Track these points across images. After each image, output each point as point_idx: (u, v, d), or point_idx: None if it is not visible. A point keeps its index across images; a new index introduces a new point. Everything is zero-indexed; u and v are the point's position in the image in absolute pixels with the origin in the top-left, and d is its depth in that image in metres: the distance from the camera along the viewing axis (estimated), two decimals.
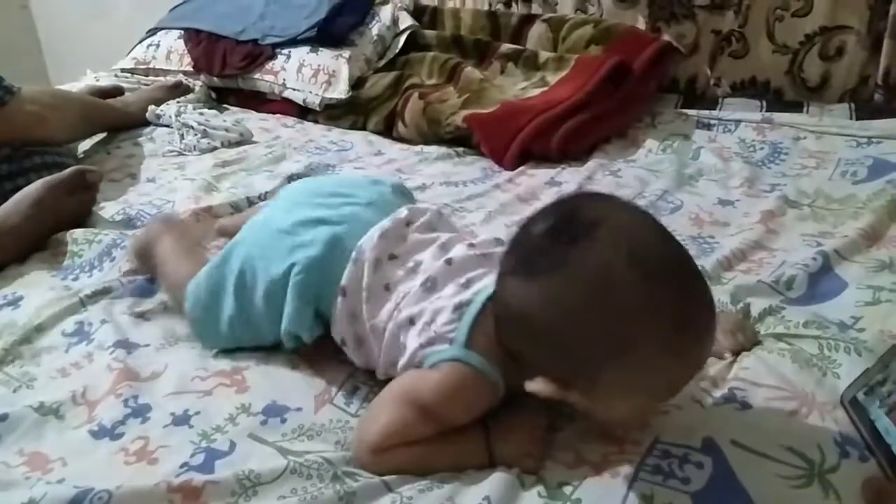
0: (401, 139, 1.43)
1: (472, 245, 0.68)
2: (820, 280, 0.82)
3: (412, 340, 0.63)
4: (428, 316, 0.62)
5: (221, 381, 0.71)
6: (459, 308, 0.61)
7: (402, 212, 0.71)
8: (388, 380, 0.66)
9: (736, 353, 0.67)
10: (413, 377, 0.61)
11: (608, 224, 0.53)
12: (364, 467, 0.59)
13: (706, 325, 0.54)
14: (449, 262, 0.66)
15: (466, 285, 0.63)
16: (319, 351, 0.73)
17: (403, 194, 0.82)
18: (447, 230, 0.73)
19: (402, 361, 0.64)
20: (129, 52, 1.79)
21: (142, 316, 0.82)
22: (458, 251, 0.67)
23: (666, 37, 1.45)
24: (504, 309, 0.57)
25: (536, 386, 0.55)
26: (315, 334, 0.71)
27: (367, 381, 0.70)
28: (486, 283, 0.62)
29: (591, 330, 0.52)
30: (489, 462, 0.58)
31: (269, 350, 0.75)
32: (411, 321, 0.63)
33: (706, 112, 1.37)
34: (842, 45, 1.36)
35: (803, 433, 0.57)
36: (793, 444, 0.56)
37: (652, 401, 0.57)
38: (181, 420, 0.66)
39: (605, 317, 0.51)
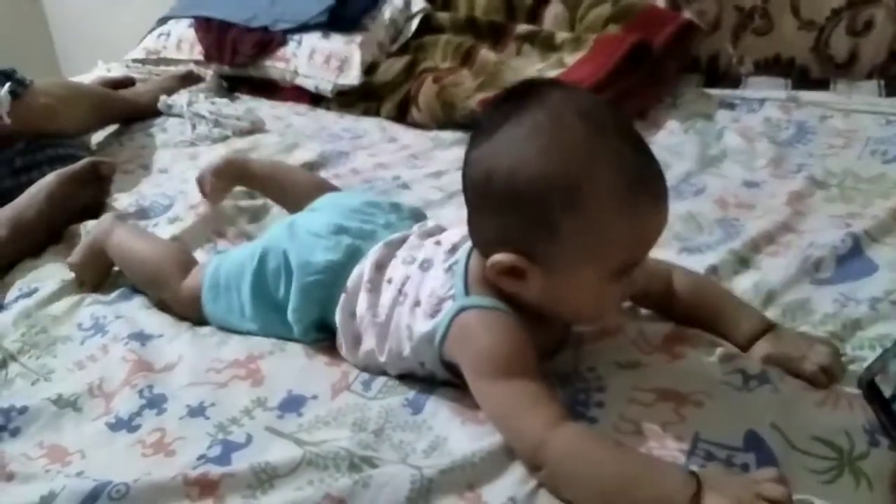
0: (415, 125, 1.40)
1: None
2: (849, 262, 0.79)
3: (420, 319, 0.63)
4: (428, 290, 0.64)
5: (236, 373, 0.70)
6: (450, 269, 0.64)
7: (411, 229, 0.74)
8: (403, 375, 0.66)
9: (825, 381, 0.59)
10: (468, 367, 0.59)
11: (561, 89, 0.57)
12: (549, 460, 0.52)
13: (657, 182, 0.55)
14: (438, 242, 0.69)
15: (453, 251, 0.66)
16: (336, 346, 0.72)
17: (418, 217, 0.83)
18: None
19: (410, 344, 0.64)
20: (140, 42, 1.78)
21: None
22: (447, 234, 0.70)
23: (687, 14, 1.40)
24: (471, 185, 0.58)
25: (500, 257, 0.56)
26: (310, 335, 0.73)
27: (383, 370, 0.69)
28: (468, 244, 0.64)
29: (544, 173, 0.53)
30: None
31: (285, 337, 0.74)
32: (418, 303, 0.64)
33: (729, 91, 1.33)
34: (870, 20, 1.31)
35: (832, 421, 0.55)
36: (821, 433, 0.54)
37: (611, 275, 0.56)
38: (197, 412, 0.65)
39: (556, 158, 0.53)
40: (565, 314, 0.61)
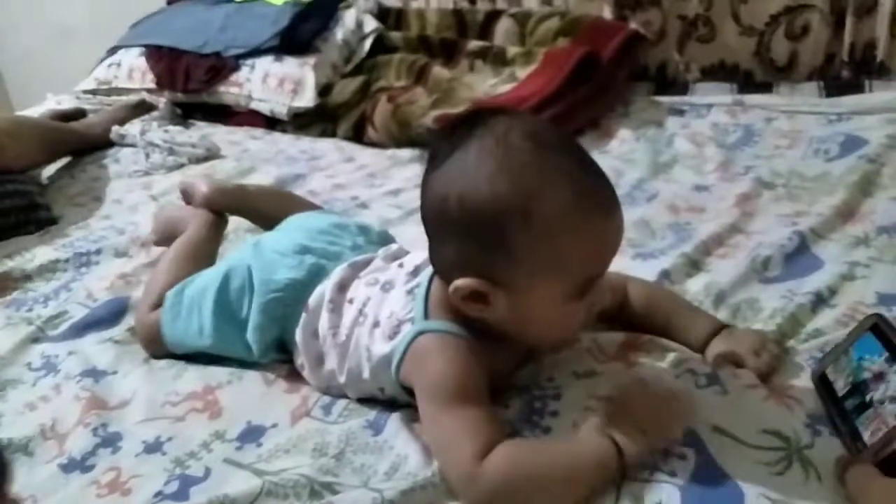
0: (372, 144, 1.41)
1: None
2: (796, 259, 0.82)
3: (378, 341, 0.63)
4: (388, 311, 0.64)
5: (194, 406, 0.69)
6: (411, 292, 0.64)
7: (377, 252, 0.75)
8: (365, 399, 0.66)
9: (763, 376, 0.61)
10: (425, 388, 0.59)
11: (506, 114, 0.58)
12: (484, 490, 0.53)
13: (608, 196, 0.56)
14: (401, 265, 0.69)
15: (415, 273, 0.66)
16: (295, 370, 0.72)
17: (387, 241, 0.82)
18: None
19: (369, 366, 0.64)
20: (91, 72, 1.75)
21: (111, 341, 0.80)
22: (410, 256, 0.70)
23: (633, 25, 1.44)
24: (427, 214, 0.59)
25: (461, 283, 0.56)
26: (268, 355, 0.72)
27: (344, 394, 0.68)
28: (431, 268, 0.64)
29: (494, 196, 0.54)
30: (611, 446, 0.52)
31: (243, 365, 0.73)
32: (377, 324, 0.64)
33: (678, 98, 1.37)
34: (806, 24, 1.36)
35: (777, 415, 0.57)
36: (767, 426, 0.55)
37: (573, 292, 0.56)
38: (153, 447, 0.64)
39: (504, 180, 0.54)
40: (532, 337, 0.61)
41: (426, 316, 0.61)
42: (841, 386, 0.56)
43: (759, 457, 0.53)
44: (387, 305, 0.64)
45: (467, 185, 0.55)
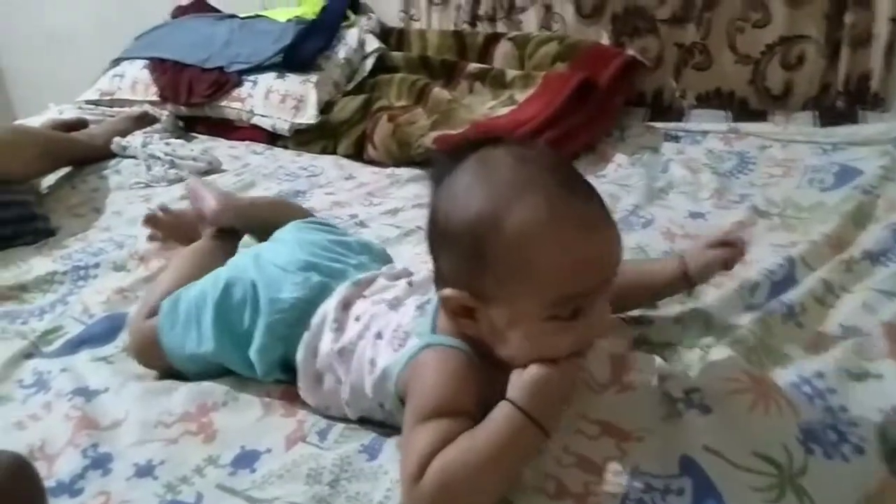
0: (372, 162, 1.42)
1: None
2: (782, 287, 0.82)
3: (384, 352, 0.63)
4: (395, 324, 0.65)
5: (187, 428, 0.68)
6: (421, 307, 0.65)
7: (380, 270, 0.76)
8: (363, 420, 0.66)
9: (729, 264, 0.70)
10: (411, 399, 0.60)
11: (502, 140, 0.60)
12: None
13: (589, 213, 0.55)
14: (411, 283, 0.70)
15: (426, 291, 0.67)
16: (293, 391, 0.71)
17: (387, 259, 0.84)
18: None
19: (371, 379, 0.64)
20: (94, 83, 1.77)
21: (104, 360, 0.80)
22: (420, 275, 0.72)
23: (630, 51, 1.46)
24: (427, 234, 0.61)
25: (447, 292, 0.57)
26: (272, 375, 0.72)
27: (341, 419, 0.68)
28: None
29: (470, 206, 0.55)
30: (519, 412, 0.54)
31: (240, 384, 0.73)
32: (380, 335, 0.65)
33: (673, 124, 1.38)
34: (802, 54, 1.38)
35: (766, 432, 0.57)
36: (758, 447, 0.55)
37: (548, 308, 0.54)
38: (145, 471, 0.63)
39: (481, 191, 0.55)
40: (513, 355, 0.57)
41: (434, 331, 0.62)
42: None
43: (752, 481, 0.54)
44: (394, 319, 0.65)
45: (450, 200, 0.57)
